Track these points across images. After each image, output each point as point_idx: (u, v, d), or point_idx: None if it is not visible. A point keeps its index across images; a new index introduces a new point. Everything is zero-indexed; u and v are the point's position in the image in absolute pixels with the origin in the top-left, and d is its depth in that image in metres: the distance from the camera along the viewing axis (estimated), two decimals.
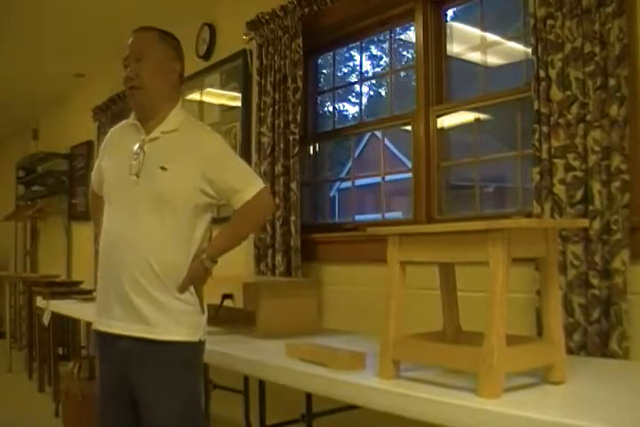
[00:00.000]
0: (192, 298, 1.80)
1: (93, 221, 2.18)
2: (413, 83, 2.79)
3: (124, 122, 1.96)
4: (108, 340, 1.81)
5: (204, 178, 1.79)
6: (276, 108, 3.13)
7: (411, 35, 2.89)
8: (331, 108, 3.40)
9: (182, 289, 1.78)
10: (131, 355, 1.75)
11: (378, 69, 3.41)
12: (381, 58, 3.41)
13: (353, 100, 3.46)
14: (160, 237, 1.77)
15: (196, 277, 1.80)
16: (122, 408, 1.81)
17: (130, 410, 1.79)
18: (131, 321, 1.75)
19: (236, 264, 3.15)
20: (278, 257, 3.01)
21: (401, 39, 3.12)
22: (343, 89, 3.43)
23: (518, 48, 2.48)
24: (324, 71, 3.46)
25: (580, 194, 1.94)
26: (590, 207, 1.91)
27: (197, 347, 1.81)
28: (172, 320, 1.76)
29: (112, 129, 2.00)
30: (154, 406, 1.74)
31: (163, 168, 1.77)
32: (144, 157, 1.80)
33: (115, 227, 1.82)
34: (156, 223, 1.76)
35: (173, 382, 1.75)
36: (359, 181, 3.22)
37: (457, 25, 2.79)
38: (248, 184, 1.84)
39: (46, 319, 3.81)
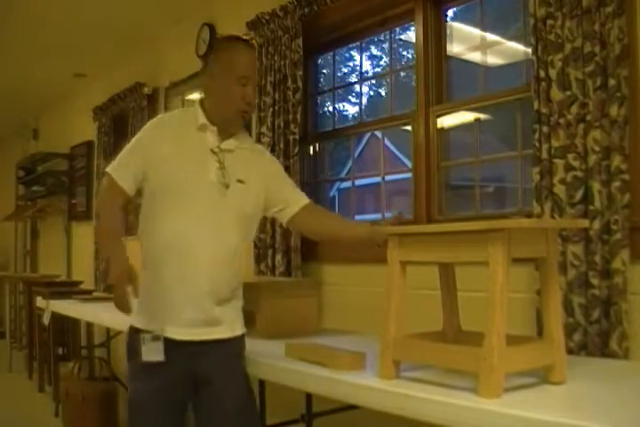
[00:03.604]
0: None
1: (105, 217, 1.79)
2: (413, 83, 2.79)
3: (182, 114, 1.93)
4: (173, 345, 1.76)
5: (267, 191, 1.90)
6: (276, 108, 3.13)
7: (411, 35, 2.89)
8: (331, 108, 3.40)
9: None
10: (201, 355, 1.79)
11: (378, 69, 3.41)
12: (381, 58, 3.41)
13: (353, 100, 3.46)
14: (239, 250, 1.85)
15: None
16: (176, 411, 1.83)
17: (180, 412, 1.84)
18: (205, 325, 1.79)
19: None
20: (278, 257, 3.01)
21: (401, 39, 3.12)
22: (343, 89, 3.43)
23: (518, 48, 2.47)
24: (324, 71, 3.46)
25: (579, 194, 1.94)
26: (590, 207, 1.91)
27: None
28: (238, 317, 1.90)
29: (166, 118, 1.91)
30: (224, 394, 1.81)
31: (240, 181, 1.82)
32: (223, 167, 1.81)
33: (194, 241, 1.74)
34: (239, 238, 1.84)
35: (238, 371, 1.86)
36: (359, 181, 3.22)
37: (457, 25, 2.78)
38: (300, 196, 1.98)
39: (46, 319, 3.81)
